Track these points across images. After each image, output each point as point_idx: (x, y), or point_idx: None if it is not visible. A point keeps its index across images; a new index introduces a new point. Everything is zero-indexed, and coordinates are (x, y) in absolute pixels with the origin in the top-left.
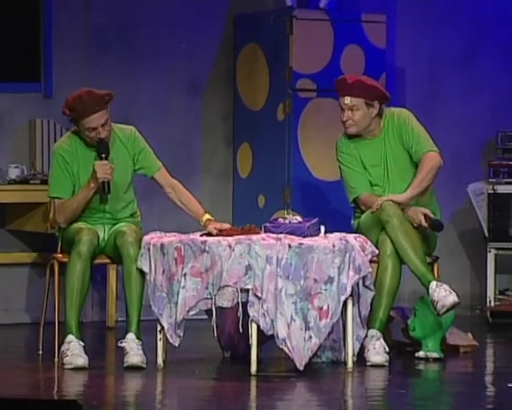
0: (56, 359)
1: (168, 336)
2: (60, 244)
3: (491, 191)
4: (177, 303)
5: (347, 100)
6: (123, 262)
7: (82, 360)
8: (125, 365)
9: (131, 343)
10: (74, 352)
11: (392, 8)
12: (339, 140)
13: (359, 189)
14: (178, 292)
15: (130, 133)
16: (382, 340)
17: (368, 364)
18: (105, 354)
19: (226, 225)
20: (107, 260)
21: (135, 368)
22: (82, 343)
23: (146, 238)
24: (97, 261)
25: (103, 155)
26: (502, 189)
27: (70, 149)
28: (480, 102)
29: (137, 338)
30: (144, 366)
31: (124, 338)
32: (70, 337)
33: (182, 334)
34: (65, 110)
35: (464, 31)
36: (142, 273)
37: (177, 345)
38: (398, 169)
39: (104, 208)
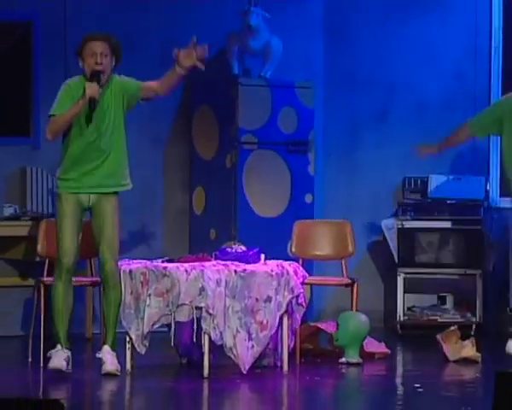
0: (42, 365)
1: (136, 346)
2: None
3: (400, 226)
4: (143, 318)
5: None
6: (104, 288)
7: (61, 363)
8: (103, 372)
9: (107, 354)
10: (57, 356)
11: (318, 75)
12: None
13: None
14: (144, 309)
15: (118, 78)
16: None
17: None
18: (84, 362)
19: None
20: (88, 282)
21: (111, 375)
22: (67, 351)
23: None
24: (77, 283)
25: (95, 81)
26: (408, 224)
27: (77, 86)
28: (391, 153)
29: (112, 349)
30: (119, 373)
31: (100, 350)
32: (58, 346)
33: (147, 344)
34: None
35: (379, 95)
36: (119, 296)
37: (143, 353)
38: None
39: (100, 145)
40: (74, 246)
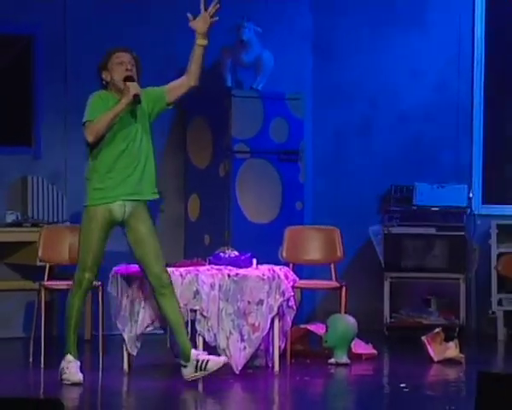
0: (43, 366)
1: (128, 347)
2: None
3: (387, 232)
4: (137, 321)
5: None
6: (161, 298)
7: (78, 376)
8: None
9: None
10: (72, 371)
11: (307, 87)
12: None
13: None
14: (139, 312)
15: (146, 90)
16: None
17: None
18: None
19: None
20: None
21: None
22: (78, 363)
23: (114, 269)
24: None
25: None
26: (395, 230)
27: (106, 96)
28: (378, 162)
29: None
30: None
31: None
32: (69, 357)
33: (139, 345)
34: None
35: (365, 106)
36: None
37: (134, 354)
38: None
39: (131, 151)
40: (98, 263)
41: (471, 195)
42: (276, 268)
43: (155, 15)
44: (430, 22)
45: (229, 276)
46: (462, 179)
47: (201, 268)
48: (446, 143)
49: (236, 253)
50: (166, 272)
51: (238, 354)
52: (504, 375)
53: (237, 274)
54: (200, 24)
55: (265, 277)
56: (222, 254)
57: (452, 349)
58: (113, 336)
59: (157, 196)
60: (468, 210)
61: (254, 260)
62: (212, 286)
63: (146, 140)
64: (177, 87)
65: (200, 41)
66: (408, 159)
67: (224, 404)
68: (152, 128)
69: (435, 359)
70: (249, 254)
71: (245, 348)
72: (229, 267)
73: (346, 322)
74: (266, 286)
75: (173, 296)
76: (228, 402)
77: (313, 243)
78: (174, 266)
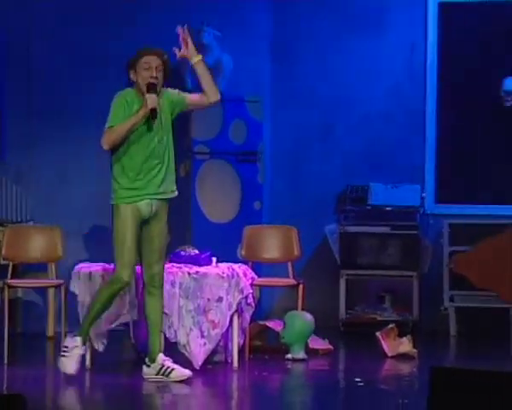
0: (6, 362)
1: (94, 344)
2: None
3: (342, 231)
4: (101, 318)
5: None
6: (151, 295)
7: (73, 368)
8: (179, 379)
9: (168, 362)
10: (70, 358)
11: (266, 90)
12: None
13: None
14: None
15: (165, 91)
16: None
17: None
18: (45, 359)
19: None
20: (53, 284)
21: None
22: (83, 350)
23: (76, 268)
24: (41, 284)
25: (152, 92)
26: (350, 229)
27: (131, 97)
28: (334, 163)
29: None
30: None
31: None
32: (77, 341)
33: (105, 342)
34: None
35: (323, 108)
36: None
37: (101, 350)
38: None
39: (159, 152)
40: (135, 261)
41: (424, 195)
42: (236, 266)
43: (116, 16)
44: (386, 27)
45: (189, 274)
46: (416, 180)
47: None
48: (401, 144)
49: (196, 251)
50: (162, 274)
51: (198, 350)
52: (456, 369)
53: (197, 272)
54: (182, 50)
55: (225, 275)
56: (182, 252)
57: (406, 345)
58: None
59: (176, 194)
60: (421, 210)
61: (214, 259)
62: (172, 284)
63: (168, 140)
64: (197, 102)
65: (193, 60)
66: (363, 160)
67: (184, 399)
68: (173, 126)
69: (389, 354)
70: (209, 253)
71: (205, 344)
72: (190, 265)
73: (302, 319)
74: (226, 284)
75: (161, 299)
76: (188, 397)
77: (271, 242)
78: (136, 265)
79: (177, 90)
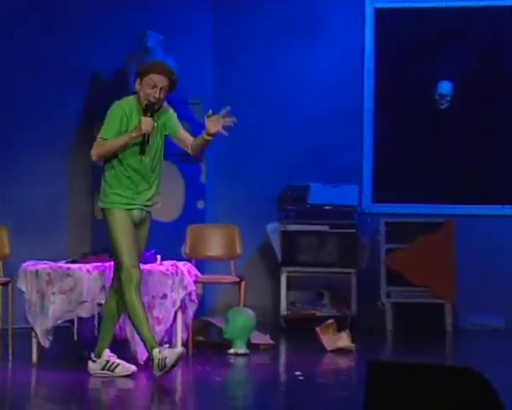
0: None
1: (40, 340)
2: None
3: (283, 229)
4: (47, 315)
5: None
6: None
7: (132, 367)
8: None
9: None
10: (123, 364)
11: (209, 92)
12: None
13: None
14: (49, 306)
15: (165, 109)
16: None
17: None
18: None
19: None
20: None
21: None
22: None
23: (23, 265)
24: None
25: (148, 115)
26: (291, 228)
27: (130, 106)
28: (276, 163)
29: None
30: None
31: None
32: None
33: (51, 338)
34: (142, 65)
35: (264, 110)
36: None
37: (47, 346)
38: None
39: (152, 167)
40: (136, 256)
41: (361, 194)
42: (180, 264)
43: (60, 19)
44: (325, 31)
45: None
46: (354, 180)
47: (108, 264)
48: (339, 145)
49: None
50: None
51: (143, 345)
52: (392, 363)
53: (142, 270)
54: (210, 124)
55: (169, 272)
56: None
57: (344, 339)
58: (23, 330)
59: (160, 206)
60: (359, 209)
61: (159, 257)
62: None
63: (160, 155)
64: (183, 143)
65: (206, 137)
66: (303, 160)
67: (128, 393)
68: (165, 141)
69: (328, 348)
70: (154, 251)
71: None
72: None
73: (244, 315)
74: (170, 281)
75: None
76: (132, 391)
77: (214, 241)
78: (82, 262)
79: (175, 116)
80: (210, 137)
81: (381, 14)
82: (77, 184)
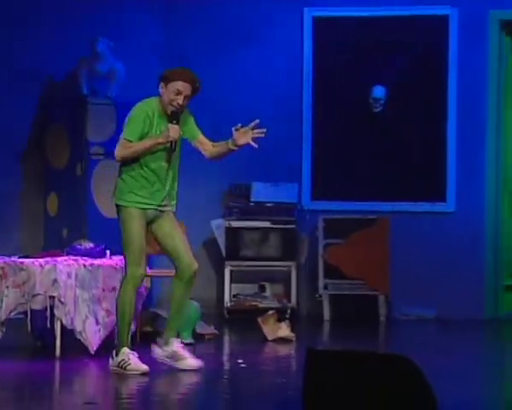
0: None
1: None
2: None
3: (228, 225)
4: (1, 307)
5: None
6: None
7: (144, 366)
8: (188, 367)
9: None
10: (135, 360)
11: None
12: None
13: None
14: (2, 300)
15: (184, 113)
16: None
17: None
18: None
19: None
20: None
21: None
22: (136, 354)
23: None
24: None
25: (174, 122)
26: (235, 224)
27: (151, 110)
28: (221, 162)
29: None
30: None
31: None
32: (126, 350)
33: (4, 330)
34: (168, 70)
35: (210, 113)
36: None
37: (0, 337)
38: None
39: (170, 169)
40: (144, 256)
41: (301, 192)
42: None
43: (4, 27)
44: (267, 39)
45: (84, 266)
46: (294, 179)
47: (59, 258)
48: (280, 146)
49: (92, 245)
50: (194, 261)
51: (93, 336)
52: (329, 351)
53: (92, 264)
54: (238, 136)
55: (118, 266)
56: (78, 245)
57: (284, 329)
58: None
59: (175, 203)
60: (299, 206)
61: (108, 252)
62: (69, 275)
63: (178, 158)
64: (202, 145)
65: (232, 146)
66: (247, 160)
67: (80, 381)
68: (182, 144)
69: (269, 338)
70: (103, 246)
71: (100, 330)
72: (85, 258)
73: (190, 306)
74: (119, 275)
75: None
76: (84, 379)
77: None
78: (34, 257)
79: (194, 120)
80: (236, 148)
81: (318, 22)
82: (29, 183)
